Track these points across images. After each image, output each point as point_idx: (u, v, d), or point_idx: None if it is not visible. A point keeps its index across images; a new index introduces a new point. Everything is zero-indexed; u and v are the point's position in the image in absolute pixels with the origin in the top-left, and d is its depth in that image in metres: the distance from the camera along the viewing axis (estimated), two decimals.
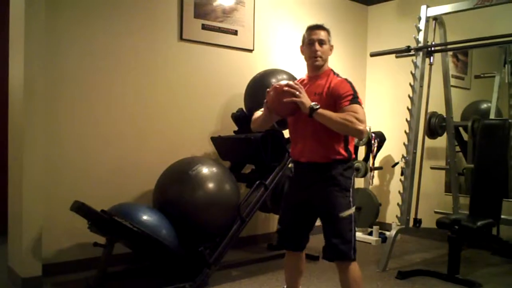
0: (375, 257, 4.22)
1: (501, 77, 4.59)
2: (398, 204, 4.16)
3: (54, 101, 3.47)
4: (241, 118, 4.09)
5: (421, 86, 4.16)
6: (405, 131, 4.21)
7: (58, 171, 3.50)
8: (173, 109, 4.10)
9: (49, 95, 3.41)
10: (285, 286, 2.81)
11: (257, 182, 3.68)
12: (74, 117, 3.57)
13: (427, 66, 4.20)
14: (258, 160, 3.93)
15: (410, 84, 4.21)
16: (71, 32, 3.54)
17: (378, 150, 5.17)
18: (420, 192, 4.24)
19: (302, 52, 2.61)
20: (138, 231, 2.95)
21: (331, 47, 2.57)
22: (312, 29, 2.53)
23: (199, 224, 3.30)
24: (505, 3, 3.85)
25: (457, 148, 4.73)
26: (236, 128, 4.20)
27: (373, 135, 5.10)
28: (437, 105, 4.55)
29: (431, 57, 4.20)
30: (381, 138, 5.18)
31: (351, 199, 2.47)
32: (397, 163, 5.19)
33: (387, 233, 4.58)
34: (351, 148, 2.53)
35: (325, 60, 2.54)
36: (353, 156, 2.57)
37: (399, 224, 4.12)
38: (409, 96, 4.21)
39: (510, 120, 4.06)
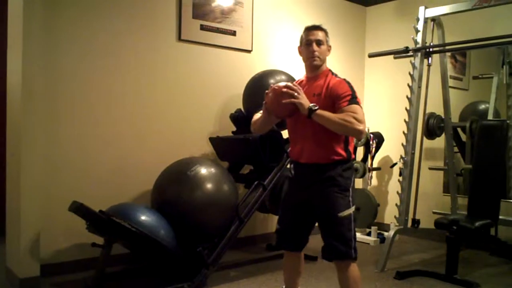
0: (373, 258, 4.23)
1: (499, 78, 4.59)
2: (396, 204, 4.16)
3: (53, 100, 3.46)
4: (240, 119, 4.09)
5: (419, 87, 4.16)
6: (403, 132, 4.21)
7: (57, 171, 3.49)
8: (171, 109, 4.10)
9: (48, 95, 3.41)
10: (284, 286, 2.81)
11: (256, 183, 3.68)
12: (73, 117, 3.57)
13: (425, 67, 4.21)
14: (256, 160, 3.93)
15: (408, 85, 4.21)
16: (70, 31, 3.54)
17: (376, 150, 5.18)
18: (419, 193, 4.24)
19: (300, 53, 2.61)
20: (137, 232, 2.95)
21: (329, 48, 2.57)
22: (310, 29, 2.54)
23: (198, 224, 3.30)
24: (503, 4, 3.86)
25: (455, 149, 4.74)
26: (234, 129, 4.20)
27: (372, 135, 5.10)
28: (435, 106, 4.56)
29: (429, 58, 4.20)
30: (379, 138, 5.19)
31: (350, 198, 2.47)
32: (395, 164, 5.19)
33: (386, 233, 4.58)
34: (351, 148, 2.53)
35: (323, 61, 2.54)
36: (353, 156, 2.57)
37: (397, 224, 4.12)
38: (407, 97, 4.21)
39: (508, 121, 4.07)
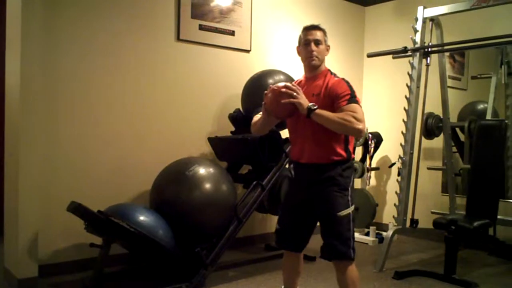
0: (372, 258, 4.23)
1: (497, 78, 4.60)
2: (395, 204, 4.16)
3: (52, 100, 3.46)
4: (238, 119, 4.09)
5: (418, 87, 4.16)
6: (402, 132, 4.21)
7: (55, 171, 3.49)
8: (170, 109, 4.10)
9: (47, 95, 3.40)
10: (283, 286, 2.80)
11: (254, 183, 3.68)
12: (71, 117, 3.57)
13: (424, 67, 4.21)
14: (255, 160, 3.93)
15: (407, 85, 4.22)
16: (69, 32, 3.53)
17: (375, 150, 5.18)
18: (417, 193, 4.25)
19: (299, 53, 2.61)
20: (135, 232, 2.94)
21: (328, 47, 2.57)
22: (308, 29, 2.53)
23: (196, 224, 3.30)
24: (501, 4, 3.86)
25: (454, 149, 4.74)
26: (233, 129, 4.20)
27: (370, 135, 5.10)
28: (433, 105, 4.56)
29: (428, 58, 4.20)
30: (378, 138, 5.19)
31: (349, 198, 2.47)
32: (394, 164, 5.20)
33: (384, 233, 4.58)
34: (351, 148, 2.53)
35: (322, 60, 2.54)
36: (353, 156, 2.56)
37: (396, 224, 4.13)
38: (406, 96, 4.21)
39: (506, 121, 4.08)
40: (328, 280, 3.50)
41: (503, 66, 4.53)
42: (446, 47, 4.31)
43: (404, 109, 4.21)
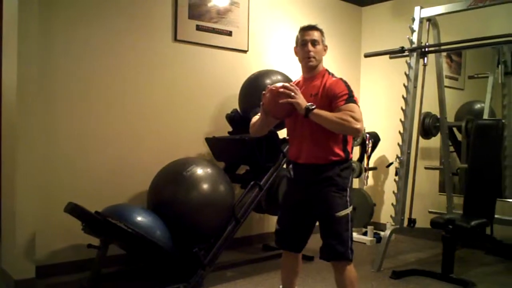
0: (369, 257, 4.23)
1: (494, 77, 4.61)
2: (392, 204, 4.17)
3: (49, 101, 3.45)
4: (236, 119, 4.09)
5: (415, 87, 4.17)
6: (399, 132, 4.22)
7: (52, 172, 3.48)
8: (167, 110, 4.09)
9: (44, 95, 3.40)
10: (281, 286, 2.80)
11: (252, 183, 3.68)
12: (68, 117, 3.56)
13: (421, 67, 4.21)
14: (252, 160, 3.93)
15: (404, 85, 4.22)
16: (66, 32, 3.53)
17: (372, 150, 5.19)
18: (414, 192, 4.25)
19: (296, 53, 2.60)
20: (132, 232, 2.94)
21: (325, 47, 2.57)
22: (305, 29, 2.53)
23: (194, 225, 3.30)
24: (498, 4, 3.87)
25: (451, 148, 4.75)
26: (230, 129, 4.20)
27: (368, 135, 5.11)
28: (431, 105, 4.57)
29: (425, 58, 4.21)
30: (375, 138, 5.20)
31: (348, 198, 2.47)
32: (391, 163, 5.20)
33: (382, 233, 4.58)
34: (349, 148, 2.53)
35: (319, 61, 2.54)
36: (351, 156, 2.56)
37: (393, 224, 4.13)
38: (403, 96, 4.22)
39: (503, 121, 4.09)
40: (326, 280, 3.50)
41: (500, 66, 4.53)
42: (443, 47, 4.31)
43: (402, 109, 4.22)
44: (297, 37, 2.58)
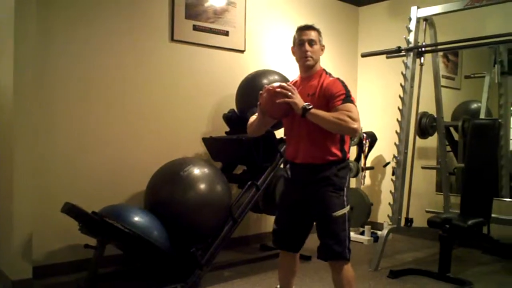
0: (367, 257, 4.24)
1: (491, 77, 4.62)
2: (389, 203, 4.17)
3: (46, 101, 3.45)
4: (233, 119, 4.08)
5: (412, 87, 4.18)
6: (396, 131, 4.22)
7: (49, 172, 3.47)
8: (164, 110, 4.09)
9: (40, 95, 3.39)
10: (279, 286, 2.81)
11: (249, 183, 3.68)
12: (66, 118, 3.55)
13: (417, 67, 4.22)
14: (249, 160, 3.93)
15: (401, 85, 4.23)
16: (63, 32, 3.52)
17: (369, 150, 5.19)
18: (411, 192, 4.26)
19: (294, 53, 2.60)
20: (129, 233, 2.93)
21: (322, 47, 2.57)
22: (302, 29, 2.53)
23: (191, 225, 3.29)
24: (495, 3, 3.88)
25: (448, 148, 4.76)
26: (227, 129, 4.19)
27: (365, 135, 5.12)
28: (427, 105, 4.58)
29: (422, 58, 4.22)
30: (372, 138, 5.20)
31: (345, 198, 2.47)
32: (388, 163, 5.21)
33: (379, 232, 4.59)
34: (346, 148, 2.53)
35: (316, 60, 2.54)
36: (348, 155, 2.56)
37: (390, 223, 4.14)
38: (400, 96, 4.23)
39: (500, 120, 4.10)
40: (324, 280, 3.50)
41: (496, 66, 4.55)
42: (439, 47, 4.32)
43: (398, 108, 4.22)
44: (294, 37, 2.58)
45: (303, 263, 3.85)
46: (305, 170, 2.51)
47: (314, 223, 2.57)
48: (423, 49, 4.22)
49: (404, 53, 4.23)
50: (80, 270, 3.43)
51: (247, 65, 4.58)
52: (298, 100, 2.36)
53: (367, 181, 5.49)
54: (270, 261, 3.95)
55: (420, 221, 4.26)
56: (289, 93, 2.36)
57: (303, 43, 2.50)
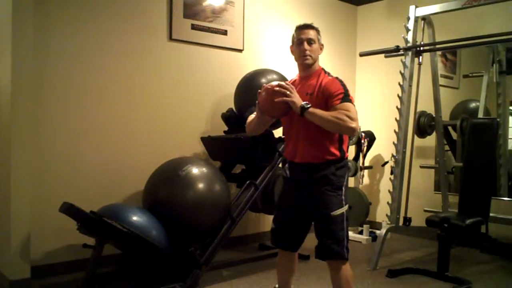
0: (365, 256, 4.24)
1: (489, 76, 4.63)
2: (388, 203, 4.18)
3: (43, 101, 3.44)
4: (231, 118, 4.08)
5: (410, 86, 4.18)
6: (395, 130, 4.23)
7: (47, 172, 3.47)
8: (163, 109, 4.08)
9: (38, 95, 3.38)
10: (277, 285, 2.81)
11: (248, 182, 3.68)
12: (63, 117, 3.55)
13: (416, 66, 4.23)
14: (248, 160, 3.93)
15: (399, 84, 4.23)
16: (60, 32, 3.51)
17: (368, 149, 5.19)
18: (410, 191, 4.26)
19: (292, 52, 2.60)
20: (128, 232, 2.93)
21: (321, 46, 2.57)
22: (301, 28, 2.53)
23: (190, 224, 3.29)
24: (492, 3, 3.89)
25: (446, 147, 4.76)
26: (226, 128, 4.19)
27: (363, 134, 5.12)
28: (426, 104, 4.58)
29: (420, 57, 4.22)
30: (371, 137, 5.20)
31: (343, 197, 2.47)
32: (386, 162, 5.21)
33: (377, 231, 4.59)
34: (345, 147, 2.53)
35: (315, 59, 2.54)
36: (347, 155, 2.56)
37: (389, 222, 4.14)
38: (398, 95, 4.23)
39: (498, 119, 4.10)
40: (322, 279, 3.50)
41: (494, 65, 4.56)
42: (438, 46, 4.33)
43: (397, 107, 4.22)
44: (293, 36, 2.58)
45: (302, 263, 3.85)
46: (303, 169, 2.51)
47: (313, 223, 2.57)
48: (421, 48, 4.23)
49: (402, 52, 4.24)
50: (78, 270, 3.42)
51: (246, 64, 4.58)
52: (297, 99, 2.36)
53: (366, 180, 5.49)
54: (269, 260, 3.95)
55: (418, 221, 4.26)
56: (288, 92, 2.35)
57: (302, 42, 2.49)
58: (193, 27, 4.23)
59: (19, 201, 3.18)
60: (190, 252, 3.18)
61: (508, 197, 4.36)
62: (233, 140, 3.88)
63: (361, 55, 4.67)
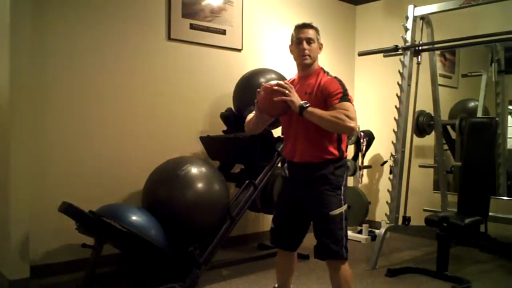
0: (364, 255, 4.24)
1: (488, 75, 4.63)
2: (387, 202, 4.18)
3: (42, 101, 3.43)
4: (230, 118, 4.08)
5: (409, 85, 4.18)
6: (394, 130, 4.23)
7: (46, 172, 3.46)
8: (161, 109, 4.08)
9: (37, 95, 3.38)
10: (276, 285, 2.80)
11: (247, 182, 3.68)
12: (62, 117, 3.54)
13: (414, 65, 4.22)
14: (247, 159, 3.93)
15: (398, 83, 4.23)
16: (58, 31, 3.51)
17: (367, 149, 5.20)
18: (409, 190, 4.26)
19: (291, 51, 2.60)
20: (127, 232, 2.93)
21: (320, 46, 2.57)
22: (300, 28, 2.53)
23: (189, 224, 3.29)
24: (491, 2, 3.89)
25: (445, 146, 4.77)
26: (225, 128, 4.19)
27: (362, 134, 5.12)
28: (425, 103, 4.58)
29: (419, 56, 4.22)
30: (370, 137, 5.21)
31: (342, 197, 2.47)
32: (385, 162, 5.21)
33: (377, 231, 4.59)
34: (344, 147, 2.53)
35: (314, 59, 2.54)
36: (345, 154, 2.56)
37: (388, 222, 4.14)
38: (397, 95, 4.23)
39: (497, 119, 4.11)
40: (321, 279, 3.51)
41: (493, 64, 4.56)
42: (436, 46, 4.33)
43: (396, 107, 4.22)
44: (292, 35, 2.58)
45: (301, 262, 3.85)
46: (302, 169, 2.51)
47: (311, 222, 2.57)
48: (420, 47, 4.23)
49: (401, 52, 4.24)
50: (77, 269, 3.42)
51: (244, 64, 4.58)
52: (296, 98, 2.36)
53: (365, 179, 5.49)
54: (268, 260, 3.95)
55: (417, 220, 4.26)
56: (287, 91, 2.35)
57: (301, 41, 2.49)
58: (192, 26, 4.23)
59: (18, 201, 3.17)
60: (190, 251, 3.18)
61: (507, 196, 4.36)
62: (232, 139, 3.88)
63: (360, 54, 4.67)
